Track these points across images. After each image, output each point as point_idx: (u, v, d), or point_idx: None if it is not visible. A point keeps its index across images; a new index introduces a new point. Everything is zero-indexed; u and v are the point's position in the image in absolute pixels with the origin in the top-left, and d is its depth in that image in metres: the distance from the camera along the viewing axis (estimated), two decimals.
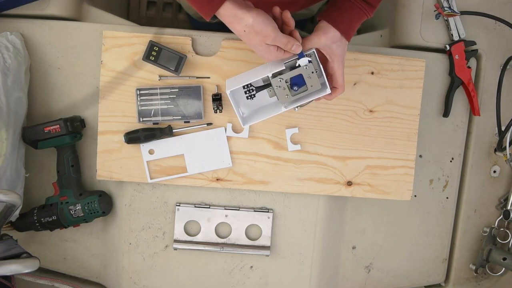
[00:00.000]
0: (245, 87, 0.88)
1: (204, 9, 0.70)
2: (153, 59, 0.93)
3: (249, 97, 0.89)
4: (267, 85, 0.81)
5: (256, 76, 0.81)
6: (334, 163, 0.99)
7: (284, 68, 0.78)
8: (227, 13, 0.70)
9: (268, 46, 0.73)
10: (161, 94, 0.95)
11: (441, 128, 1.05)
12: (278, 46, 0.73)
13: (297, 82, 0.79)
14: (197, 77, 0.96)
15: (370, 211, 1.06)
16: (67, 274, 1.04)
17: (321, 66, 0.79)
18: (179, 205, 1.00)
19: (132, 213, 1.00)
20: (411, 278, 1.10)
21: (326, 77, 0.81)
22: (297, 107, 0.84)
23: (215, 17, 0.72)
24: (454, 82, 1.02)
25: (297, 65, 0.77)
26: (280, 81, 0.78)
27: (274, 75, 0.78)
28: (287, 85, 0.79)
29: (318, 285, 1.04)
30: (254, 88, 0.87)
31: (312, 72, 0.77)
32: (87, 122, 0.99)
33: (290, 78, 0.78)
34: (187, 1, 0.74)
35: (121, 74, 0.95)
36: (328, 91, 0.80)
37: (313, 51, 0.78)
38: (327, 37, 0.76)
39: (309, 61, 0.76)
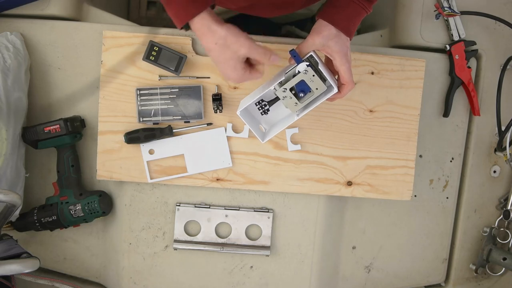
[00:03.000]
0: (257, 104, 0.89)
1: (179, 17, 0.70)
2: (153, 59, 0.93)
3: (263, 113, 0.90)
4: (277, 97, 0.81)
5: (261, 92, 0.81)
6: (334, 163, 0.99)
7: (284, 78, 0.78)
8: (202, 23, 0.70)
9: (235, 63, 0.72)
10: (161, 94, 0.95)
11: (441, 128, 1.05)
12: (244, 67, 0.74)
13: (303, 89, 0.78)
14: (197, 77, 0.96)
15: (370, 211, 1.06)
16: (67, 274, 1.04)
17: (322, 67, 0.78)
18: (179, 205, 1.00)
19: (132, 213, 1.00)
20: (411, 278, 1.10)
21: (333, 76, 0.81)
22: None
23: (186, 26, 0.72)
24: (454, 82, 1.02)
25: (296, 72, 0.77)
26: (284, 91, 0.78)
27: (278, 87, 0.78)
28: (293, 94, 0.78)
29: (318, 285, 1.04)
30: (266, 103, 0.89)
31: (313, 75, 0.76)
32: (87, 122, 0.99)
33: (294, 86, 0.78)
34: (164, 6, 0.74)
35: (121, 74, 0.95)
36: (335, 90, 0.79)
37: (311, 54, 0.77)
38: (322, 36, 0.75)
39: (308, 65, 0.76)
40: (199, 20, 0.69)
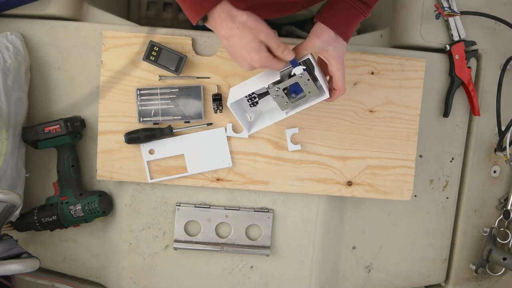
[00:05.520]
0: (247, 95, 0.89)
1: (202, 5, 0.69)
2: (153, 59, 0.93)
3: (252, 105, 0.91)
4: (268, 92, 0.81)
5: (254, 88, 0.81)
6: (334, 163, 0.99)
7: (280, 78, 0.78)
8: (223, 10, 0.70)
9: (258, 45, 0.71)
10: (161, 94, 0.95)
11: (441, 128, 1.05)
12: (267, 51, 0.73)
13: (295, 90, 0.79)
14: (197, 77, 0.96)
15: (370, 211, 1.06)
16: (67, 274, 1.04)
17: (317, 71, 0.78)
18: (179, 205, 1.00)
19: (132, 213, 1.00)
20: (411, 278, 1.10)
21: (326, 81, 0.81)
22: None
23: (203, 19, 0.71)
24: (454, 82, 1.02)
25: (292, 73, 0.77)
26: (277, 90, 0.78)
27: (272, 86, 0.78)
28: (285, 93, 0.79)
29: (318, 285, 1.04)
30: (256, 96, 0.89)
31: (308, 80, 0.77)
32: (87, 122, 0.99)
33: (288, 86, 0.78)
34: (178, 1, 0.73)
35: (121, 74, 0.95)
36: (327, 96, 0.79)
37: (308, 57, 0.77)
38: (321, 40, 0.75)
39: (304, 69, 0.76)
40: (220, 8, 0.70)
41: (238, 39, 0.71)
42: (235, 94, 0.85)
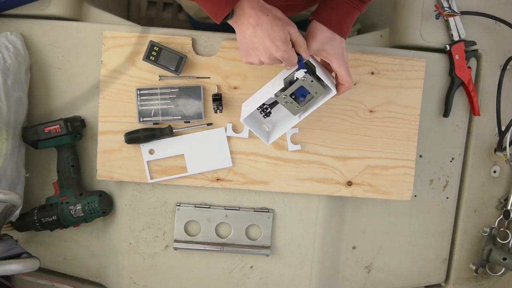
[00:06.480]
0: (259, 107, 0.90)
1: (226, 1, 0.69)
2: (153, 59, 0.93)
3: (265, 116, 0.92)
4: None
5: (262, 99, 0.82)
6: (334, 163, 0.99)
7: (284, 85, 0.79)
8: (253, 3, 0.69)
9: (286, 35, 0.71)
10: (161, 94, 0.95)
11: (441, 128, 1.05)
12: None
13: (303, 93, 0.79)
14: (197, 77, 0.96)
15: (370, 211, 1.06)
16: (67, 274, 1.04)
17: (320, 70, 0.78)
18: (179, 205, 1.00)
19: (132, 213, 1.00)
20: (411, 278, 1.10)
21: (331, 77, 0.81)
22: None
23: (227, 16, 0.70)
24: (454, 82, 1.02)
25: (295, 78, 0.77)
26: (285, 97, 0.79)
27: (279, 94, 0.79)
28: (293, 98, 0.79)
29: (318, 285, 1.04)
30: (267, 106, 0.90)
31: (312, 81, 0.77)
32: (87, 122, 0.99)
33: (294, 91, 0.79)
34: (198, 2, 0.72)
35: (121, 74, 0.95)
36: (334, 92, 0.80)
37: (308, 59, 0.78)
38: (316, 41, 0.76)
39: (306, 72, 0.76)
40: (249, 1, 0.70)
41: (268, 26, 0.70)
42: (246, 109, 0.86)
